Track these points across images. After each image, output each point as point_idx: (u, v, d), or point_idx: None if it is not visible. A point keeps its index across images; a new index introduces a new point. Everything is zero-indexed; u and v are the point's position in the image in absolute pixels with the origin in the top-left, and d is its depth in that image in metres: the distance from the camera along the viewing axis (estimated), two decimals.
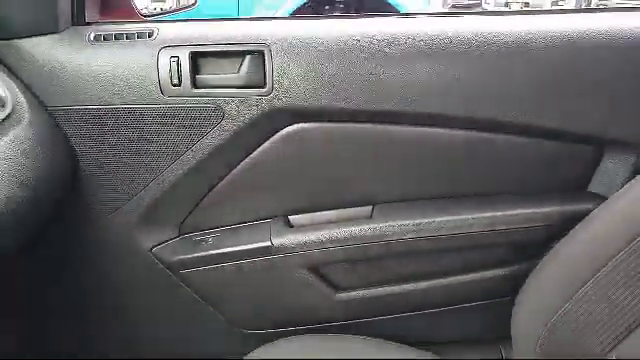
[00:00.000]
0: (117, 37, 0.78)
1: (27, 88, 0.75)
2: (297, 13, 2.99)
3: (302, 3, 3.10)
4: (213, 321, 0.90)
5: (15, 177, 0.63)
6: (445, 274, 0.87)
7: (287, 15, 2.96)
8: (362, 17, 0.82)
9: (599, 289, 0.63)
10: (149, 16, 0.92)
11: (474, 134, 0.82)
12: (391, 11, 2.95)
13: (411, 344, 0.79)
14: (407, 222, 0.83)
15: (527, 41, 0.78)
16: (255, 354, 0.76)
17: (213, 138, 0.79)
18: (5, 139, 0.65)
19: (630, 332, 0.60)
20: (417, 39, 0.77)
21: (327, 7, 3.15)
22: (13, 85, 0.73)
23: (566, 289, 0.67)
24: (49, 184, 0.71)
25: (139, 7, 0.94)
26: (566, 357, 0.64)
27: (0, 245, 0.61)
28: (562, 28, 0.78)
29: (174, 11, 1.05)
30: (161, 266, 0.87)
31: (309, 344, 0.79)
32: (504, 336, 0.78)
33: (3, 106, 0.68)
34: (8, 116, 0.68)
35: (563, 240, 0.74)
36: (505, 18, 0.83)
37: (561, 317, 0.66)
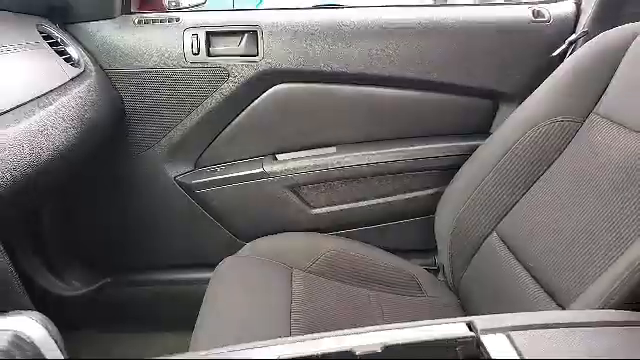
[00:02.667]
0: (154, 21, 1.11)
1: (92, 56, 1.07)
2: None
3: None
4: (218, 234, 1.21)
5: (87, 107, 0.94)
6: (389, 194, 1.19)
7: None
8: (324, 8, 1.16)
9: (488, 187, 0.95)
10: (172, 10, 1.24)
11: (408, 92, 1.15)
12: None
13: None
14: (360, 154, 1.15)
15: (443, 24, 1.12)
16: (244, 249, 1.06)
17: (221, 93, 1.12)
18: (82, 86, 0.96)
19: (506, 213, 0.92)
20: (362, 23, 1.11)
21: None
22: (83, 53, 1.05)
23: (467, 191, 0.99)
24: (107, 117, 1.02)
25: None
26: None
27: (78, 153, 0.91)
28: (466, 16, 1.13)
29: (187, 8, 1.38)
30: (182, 191, 1.18)
31: (290, 238, 1.10)
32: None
33: (79, 64, 1.00)
34: (82, 72, 1.00)
35: (467, 161, 1.07)
36: (427, 9, 1.17)
37: (464, 211, 0.98)
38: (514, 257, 0.86)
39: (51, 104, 0.81)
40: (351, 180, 1.18)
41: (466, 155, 1.09)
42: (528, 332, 0.49)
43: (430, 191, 1.19)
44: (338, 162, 1.16)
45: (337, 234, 1.21)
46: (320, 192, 1.19)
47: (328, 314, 0.89)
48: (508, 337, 0.47)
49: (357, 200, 1.20)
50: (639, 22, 0.88)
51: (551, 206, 0.84)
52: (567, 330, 0.50)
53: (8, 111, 0.71)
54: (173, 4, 1.40)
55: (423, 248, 1.24)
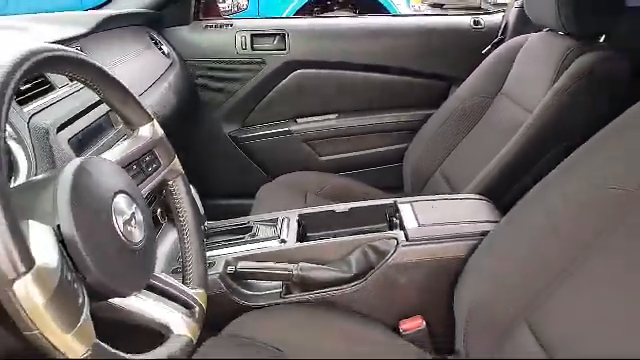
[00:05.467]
0: (215, 26, 1.64)
1: (175, 50, 1.61)
2: (303, 8, 3.60)
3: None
4: (255, 172, 1.76)
5: (177, 84, 1.48)
6: (373, 147, 1.72)
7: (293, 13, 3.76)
8: (335, 16, 1.67)
9: (435, 140, 1.47)
10: (227, 17, 1.78)
11: (388, 76, 1.67)
12: (381, 10, 3.67)
13: None
14: (354, 119, 1.69)
15: (411, 28, 1.62)
16: (274, 181, 1.61)
17: (259, 76, 1.65)
18: (173, 71, 1.51)
19: (445, 157, 1.45)
20: (357, 27, 1.63)
21: (329, 2, 3.88)
22: (171, 49, 1.59)
23: (422, 143, 1.52)
24: (187, 91, 1.57)
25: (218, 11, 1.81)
26: None
27: (176, 113, 1.46)
28: (427, 22, 1.63)
29: (233, 12, 1.92)
30: (232, 143, 1.73)
31: (305, 175, 1.65)
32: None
33: (169, 57, 1.54)
34: (172, 62, 1.54)
35: (424, 125, 1.59)
36: (396, 18, 1.68)
37: (419, 157, 1.51)
38: (447, 183, 1.40)
39: (162, 83, 1.36)
40: (347, 137, 1.72)
41: (425, 121, 1.61)
42: (420, 202, 1.04)
43: (402, 145, 1.71)
44: (339, 125, 1.70)
45: (337, 175, 1.75)
46: (326, 145, 1.73)
47: None
48: (411, 204, 1.02)
49: (351, 151, 1.74)
50: (535, 33, 1.38)
51: (470, 149, 1.37)
52: (442, 201, 1.06)
53: (146, 90, 1.26)
54: (221, 8, 1.94)
55: (396, 185, 1.77)
